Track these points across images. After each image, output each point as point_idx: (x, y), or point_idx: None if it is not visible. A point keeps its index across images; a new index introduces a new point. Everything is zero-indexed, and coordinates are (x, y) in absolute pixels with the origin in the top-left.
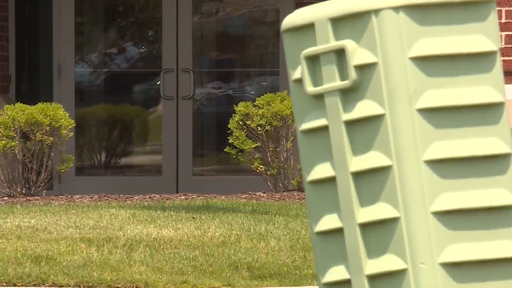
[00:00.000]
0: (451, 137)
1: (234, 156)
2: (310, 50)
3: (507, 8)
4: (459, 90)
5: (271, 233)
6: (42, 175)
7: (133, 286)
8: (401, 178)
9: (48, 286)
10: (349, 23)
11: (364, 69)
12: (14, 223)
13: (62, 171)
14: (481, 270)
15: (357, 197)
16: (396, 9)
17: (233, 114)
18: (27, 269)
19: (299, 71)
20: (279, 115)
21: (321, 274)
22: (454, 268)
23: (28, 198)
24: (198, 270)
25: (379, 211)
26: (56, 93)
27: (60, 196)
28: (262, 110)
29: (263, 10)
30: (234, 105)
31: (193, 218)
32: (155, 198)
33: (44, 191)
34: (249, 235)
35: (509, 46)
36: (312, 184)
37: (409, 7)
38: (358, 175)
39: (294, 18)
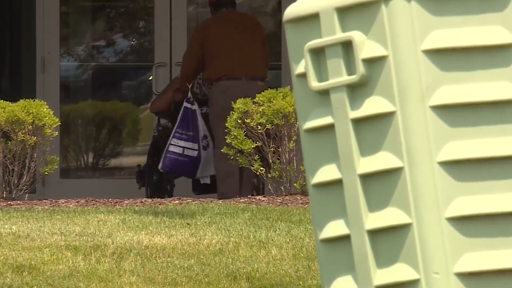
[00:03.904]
0: (467, 137)
1: (232, 157)
2: (315, 42)
3: None
4: (476, 85)
5: (272, 240)
6: (25, 177)
7: None
8: (413, 181)
9: None
10: (357, 13)
11: (373, 63)
12: None
13: (46, 173)
14: (499, 280)
15: (365, 201)
16: None
17: (231, 112)
18: (8, 279)
19: (302, 65)
20: (281, 112)
21: (327, 285)
22: (471, 278)
23: (9, 202)
24: (193, 280)
25: (389, 216)
26: (39, 89)
27: (44, 201)
28: (262, 108)
29: None
30: (232, 102)
31: (188, 224)
32: (147, 203)
33: (27, 195)
34: (248, 243)
35: None
36: (316, 187)
37: None
38: (367, 178)
39: (297, 8)
